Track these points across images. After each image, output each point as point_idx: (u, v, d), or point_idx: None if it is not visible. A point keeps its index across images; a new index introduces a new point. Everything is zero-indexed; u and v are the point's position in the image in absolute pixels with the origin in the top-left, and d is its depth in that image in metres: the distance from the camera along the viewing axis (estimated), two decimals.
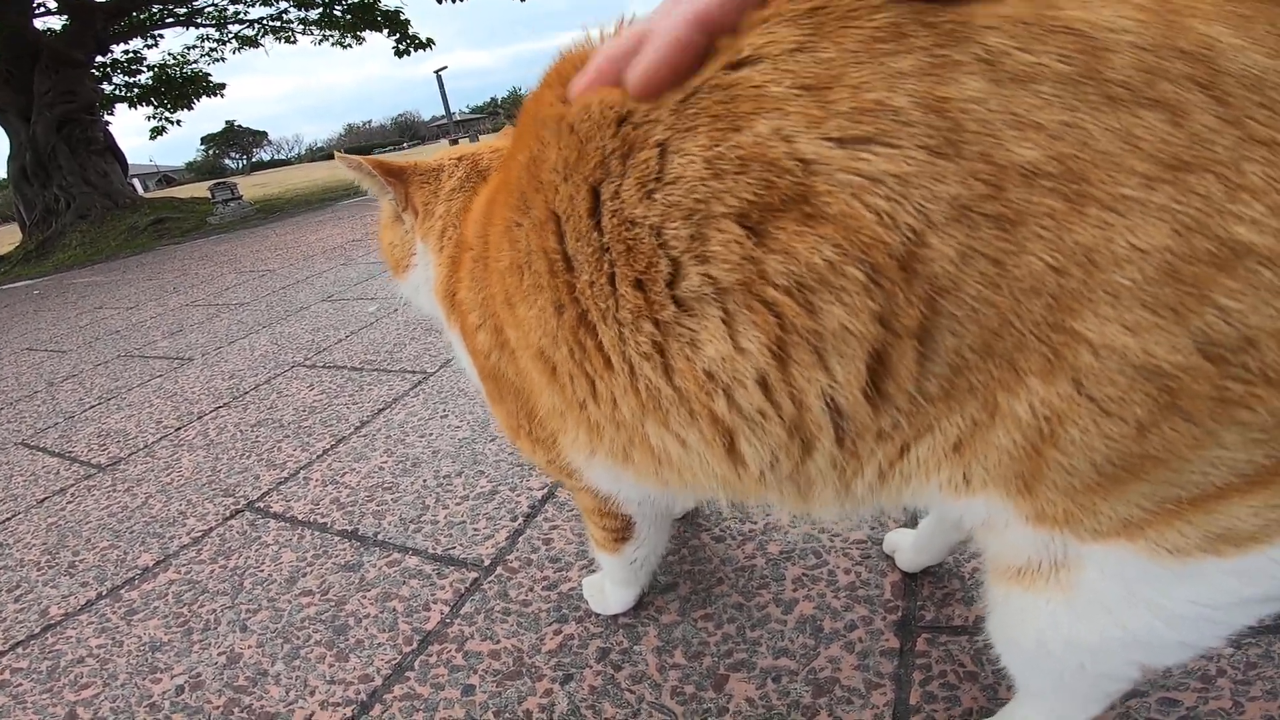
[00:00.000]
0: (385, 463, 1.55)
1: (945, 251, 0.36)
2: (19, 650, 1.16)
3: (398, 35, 13.14)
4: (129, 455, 1.90)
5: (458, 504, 1.33)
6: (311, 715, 0.92)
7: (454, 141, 25.43)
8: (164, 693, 1.01)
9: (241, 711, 0.95)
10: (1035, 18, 0.34)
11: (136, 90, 13.16)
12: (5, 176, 10.85)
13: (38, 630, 1.20)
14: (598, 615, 0.99)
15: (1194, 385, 0.34)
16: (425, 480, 1.44)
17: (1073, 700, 0.61)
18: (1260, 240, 0.31)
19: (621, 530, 0.87)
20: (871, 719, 0.78)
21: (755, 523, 1.12)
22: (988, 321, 0.38)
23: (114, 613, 1.21)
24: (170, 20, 12.50)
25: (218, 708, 0.96)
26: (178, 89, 13.29)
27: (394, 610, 1.08)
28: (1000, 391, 0.40)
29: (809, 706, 0.80)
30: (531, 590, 1.06)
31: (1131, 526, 0.42)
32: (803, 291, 0.40)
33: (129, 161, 11.52)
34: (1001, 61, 0.34)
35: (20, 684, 1.08)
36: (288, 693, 0.96)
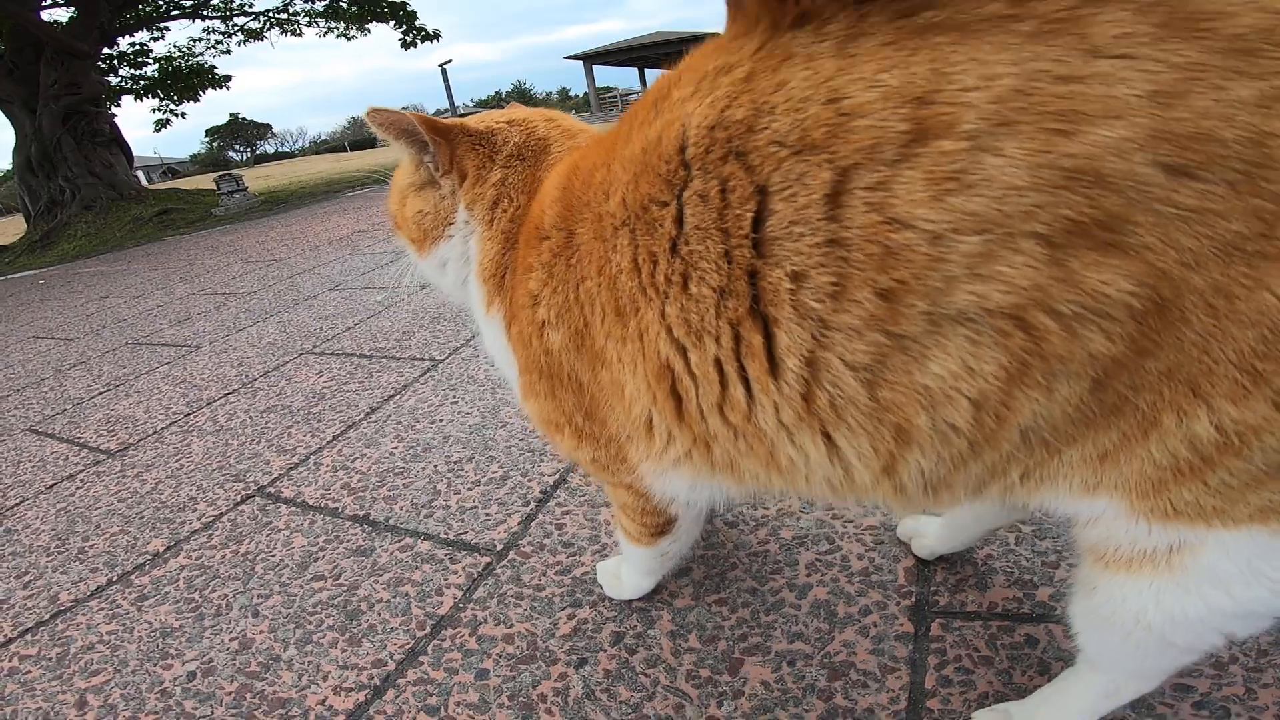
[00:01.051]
0: (396, 448, 1.55)
1: (1199, 285, 0.36)
2: (28, 637, 1.16)
3: (404, 27, 13.12)
4: (138, 441, 1.91)
5: (469, 489, 1.33)
6: (324, 700, 0.92)
7: None
8: (175, 679, 1.00)
9: (253, 697, 0.95)
10: None
11: (142, 82, 13.16)
12: (10, 168, 10.84)
13: (47, 617, 1.20)
14: (611, 600, 0.99)
15: None
16: (436, 465, 1.44)
17: (1136, 675, 0.62)
18: None
19: (662, 526, 0.85)
20: (887, 702, 0.78)
21: (768, 509, 1.11)
22: (1187, 348, 0.38)
23: (124, 599, 1.21)
24: (176, 13, 12.50)
25: (229, 693, 0.96)
26: (183, 81, 13.29)
27: (406, 595, 1.08)
28: (1167, 412, 0.40)
29: (824, 689, 0.80)
30: (544, 575, 1.06)
31: (1268, 511, 0.43)
32: (1075, 320, 0.38)
33: (134, 153, 11.51)
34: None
35: (30, 671, 1.08)
36: (300, 678, 0.96)
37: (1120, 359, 0.39)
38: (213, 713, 0.93)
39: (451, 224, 0.77)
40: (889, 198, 0.38)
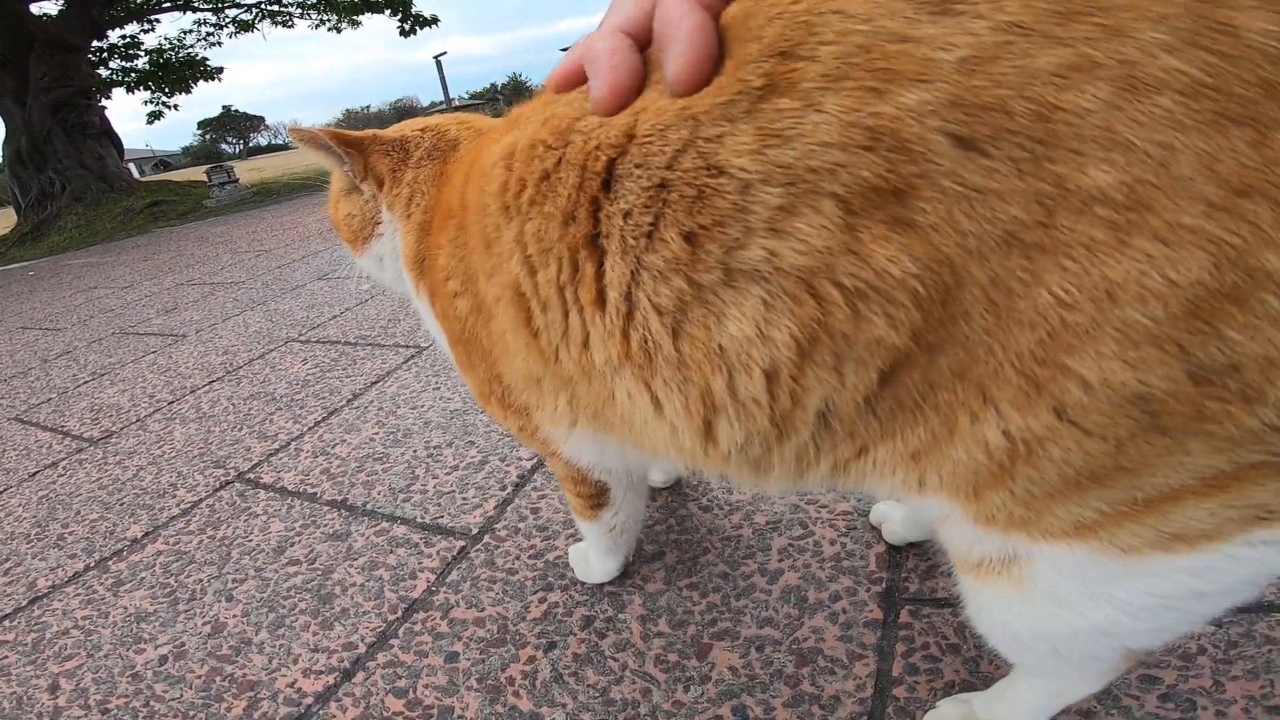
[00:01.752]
0: (376, 434, 1.55)
1: (979, 277, 0.35)
2: (5, 623, 1.16)
3: (401, 15, 13.04)
4: (121, 429, 1.90)
5: (447, 474, 1.33)
6: (294, 683, 0.92)
7: None
8: (147, 663, 1.00)
9: (223, 680, 0.94)
10: (1201, 13, 0.30)
11: (134, 75, 13.08)
12: (1, 160, 10.78)
13: (24, 603, 1.20)
14: (583, 584, 0.99)
15: (1177, 406, 0.34)
16: (416, 451, 1.44)
17: (1065, 678, 0.61)
18: None
19: (597, 497, 0.86)
20: (854, 689, 0.77)
21: (743, 493, 1.11)
22: (973, 348, 0.37)
23: (101, 584, 1.21)
24: (167, 4, 12.40)
25: (199, 677, 0.96)
26: (174, 73, 13.21)
27: (380, 579, 1.08)
28: (961, 413, 0.39)
29: (791, 675, 0.80)
30: (518, 559, 1.06)
31: (1083, 528, 0.41)
32: (858, 296, 0.37)
33: (125, 146, 11.45)
34: (1142, 65, 0.30)
35: (5, 657, 1.08)
36: (270, 661, 0.96)
37: (907, 351, 0.38)
38: (182, 695, 0.93)
39: (379, 223, 0.84)
40: (719, 148, 0.39)
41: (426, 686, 0.87)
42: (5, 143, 10.28)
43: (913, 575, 0.92)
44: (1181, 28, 0.30)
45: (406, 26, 13.18)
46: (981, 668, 0.78)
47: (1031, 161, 0.32)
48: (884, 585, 0.91)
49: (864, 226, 0.36)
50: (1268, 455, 0.34)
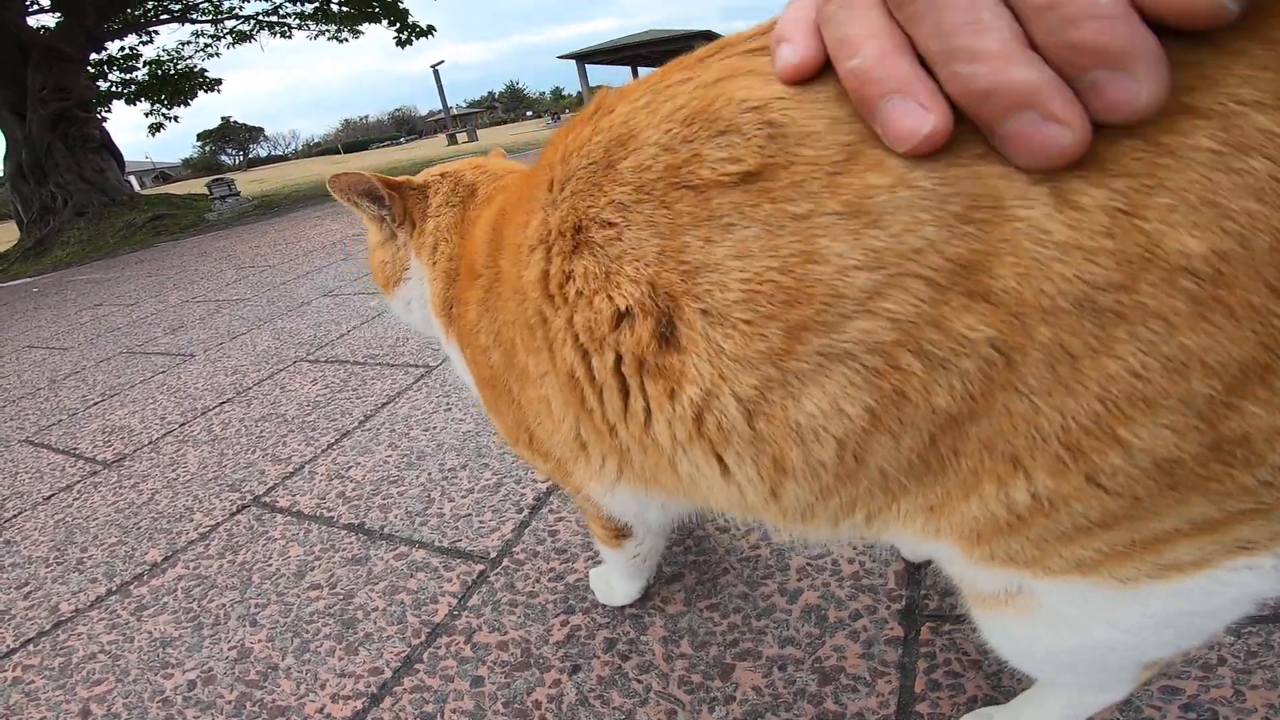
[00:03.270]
0: (390, 456, 1.56)
1: (1043, 339, 0.34)
2: (30, 647, 1.17)
3: (398, 25, 13.08)
4: (134, 451, 1.91)
5: (463, 496, 1.34)
6: (323, 708, 0.93)
7: (452, 136, 25.29)
8: (176, 688, 1.01)
9: (253, 706, 0.95)
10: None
11: (133, 87, 13.12)
12: (1, 175, 10.81)
13: (48, 627, 1.21)
14: (604, 606, 1.00)
15: (1194, 468, 0.34)
16: (430, 473, 1.45)
17: (1087, 688, 0.62)
18: None
19: (620, 530, 0.87)
20: (877, 706, 0.79)
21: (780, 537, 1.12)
22: (1015, 418, 0.36)
23: (124, 609, 1.22)
24: (164, 16, 12.45)
25: (230, 702, 0.97)
26: (174, 85, 13.26)
27: (402, 603, 1.09)
28: (988, 480, 0.40)
29: (815, 694, 0.81)
30: (538, 582, 1.07)
31: (1085, 566, 0.42)
32: (937, 366, 0.36)
33: (125, 159, 11.48)
34: (1248, 117, 0.29)
35: (33, 681, 1.09)
36: (298, 686, 0.97)
37: (955, 417, 0.38)
38: None
39: (407, 269, 0.87)
40: (812, 231, 0.37)
41: (454, 711, 0.88)
42: (5, 157, 10.31)
43: (932, 592, 0.93)
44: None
45: (403, 36, 13.23)
46: (1003, 682, 0.78)
47: (1125, 215, 0.31)
48: (904, 603, 0.92)
49: (949, 298, 0.35)
50: (1256, 504, 0.36)
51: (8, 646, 1.18)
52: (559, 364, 0.53)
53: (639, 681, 0.87)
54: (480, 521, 1.25)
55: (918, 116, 0.32)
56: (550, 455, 0.70)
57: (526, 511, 1.25)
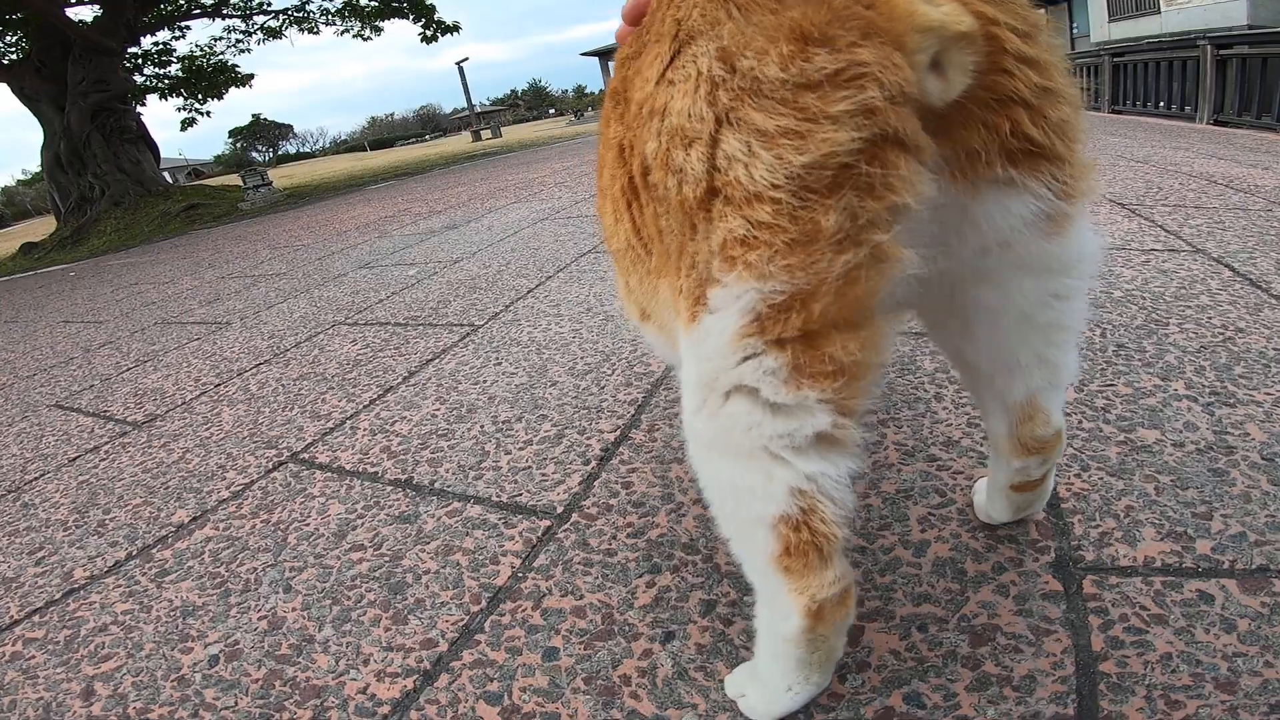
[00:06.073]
0: (438, 410, 1.44)
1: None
2: (36, 618, 1.03)
3: (424, 21, 13.07)
4: (166, 412, 1.81)
5: (520, 449, 1.21)
6: (366, 688, 0.78)
7: (476, 134, 25.44)
8: (195, 664, 0.87)
9: (283, 685, 0.81)
10: None
11: (167, 81, 13.24)
12: (39, 169, 10.97)
13: (58, 596, 1.08)
14: (696, 563, 0.87)
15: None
16: (483, 426, 1.32)
17: None
18: None
19: None
20: (1049, 667, 0.65)
21: (862, 461, 0.98)
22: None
23: (144, 574, 1.09)
24: (197, 11, 12.55)
25: (256, 680, 0.83)
26: (206, 79, 13.36)
27: (458, 564, 0.96)
28: None
29: (968, 656, 0.67)
30: (614, 538, 0.94)
31: None
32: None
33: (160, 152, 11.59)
34: None
35: (33, 656, 0.95)
36: (337, 662, 0.83)
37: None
38: (236, 703, 0.80)
39: None
40: None
41: (524, 690, 0.74)
42: (44, 147, 10.43)
43: (1084, 543, 0.79)
44: None
45: (429, 33, 13.20)
46: (1197, 636, 0.65)
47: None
48: (1053, 554, 0.78)
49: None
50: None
51: (11, 618, 1.05)
52: None
53: (748, 650, 0.72)
54: (542, 475, 1.12)
55: None
56: None
57: (594, 463, 1.12)
